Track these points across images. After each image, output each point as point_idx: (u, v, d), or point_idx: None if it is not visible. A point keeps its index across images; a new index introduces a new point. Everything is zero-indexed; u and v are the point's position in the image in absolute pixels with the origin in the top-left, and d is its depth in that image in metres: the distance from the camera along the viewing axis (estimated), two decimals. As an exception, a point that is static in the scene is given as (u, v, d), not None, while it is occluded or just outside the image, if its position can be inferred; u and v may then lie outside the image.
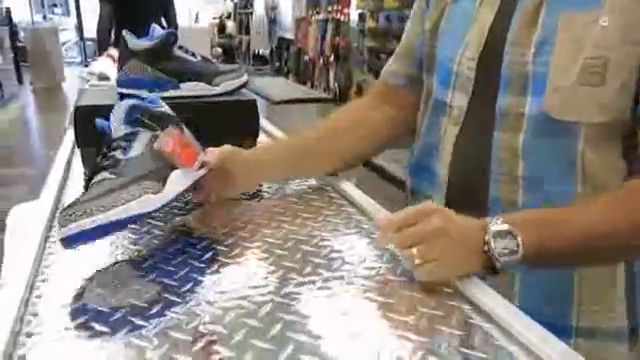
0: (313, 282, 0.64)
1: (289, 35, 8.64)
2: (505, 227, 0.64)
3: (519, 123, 0.76)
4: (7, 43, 7.62)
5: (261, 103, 2.10)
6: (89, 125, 1.11)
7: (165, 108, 0.81)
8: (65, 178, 1.01)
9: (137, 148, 0.74)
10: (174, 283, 0.63)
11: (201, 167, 0.78)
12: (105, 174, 0.70)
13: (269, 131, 1.31)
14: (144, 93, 1.12)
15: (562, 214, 0.70)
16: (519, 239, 0.64)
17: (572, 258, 0.71)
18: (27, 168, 4.33)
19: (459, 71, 0.84)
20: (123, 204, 0.66)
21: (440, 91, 0.88)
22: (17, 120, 6.50)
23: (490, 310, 0.58)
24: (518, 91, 0.76)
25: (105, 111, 1.08)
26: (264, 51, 9.96)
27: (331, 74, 7.06)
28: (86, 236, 0.64)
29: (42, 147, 5.34)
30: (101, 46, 3.90)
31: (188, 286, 0.63)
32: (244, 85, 1.23)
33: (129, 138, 0.74)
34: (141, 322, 0.56)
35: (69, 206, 0.65)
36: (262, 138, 1.21)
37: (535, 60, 0.74)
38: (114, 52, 2.59)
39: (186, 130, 0.82)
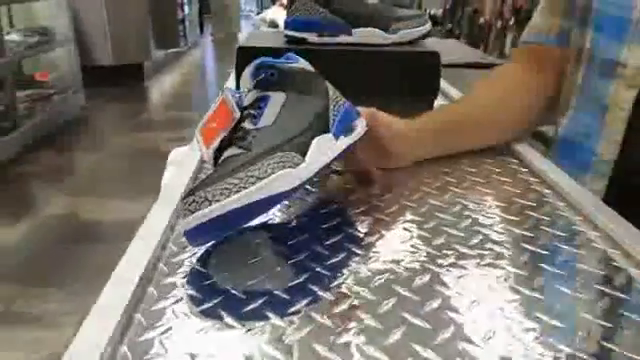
0: (481, 257, 0.53)
1: (466, -5, 8.10)
2: None
3: None
4: (194, -6, 8.09)
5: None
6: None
7: (303, 64, 0.63)
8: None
9: (269, 115, 0.57)
10: (323, 252, 0.51)
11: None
12: (232, 149, 0.54)
13: (447, 92, 1.12)
14: (312, 37, 1.00)
15: None
16: None
17: None
18: (200, 111, 4.58)
19: None
20: (253, 183, 0.49)
21: (606, 47, 0.75)
22: (197, 66, 6.93)
23: None
24: None
25: (268, 54, 0.99)
26: (436, 11, 9.48)
27: (508, 39, 6.50)
28: (209, 229, 0.49)
29: (215, 92, 5.62)
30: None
31: (340, 257, 0.52)
32: (425, 36, 1.05)
33: (259, 104, 0.58)
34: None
35: (191, 191, 0.50)
36: (438, 100, 1.03)
37: None
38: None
39: (333, 93, 0.63)
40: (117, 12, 4.85)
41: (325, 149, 0.58)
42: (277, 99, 0.58)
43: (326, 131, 0.59)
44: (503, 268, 0.51)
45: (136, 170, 2.99)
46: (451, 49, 2.39)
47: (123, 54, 4.97)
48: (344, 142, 0.61)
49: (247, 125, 0.56)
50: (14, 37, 3.62)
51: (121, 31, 4.91)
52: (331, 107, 0.61)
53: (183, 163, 0.78)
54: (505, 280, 0.49)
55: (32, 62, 4.08)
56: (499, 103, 0.84)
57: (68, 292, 1.96)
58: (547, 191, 0.68)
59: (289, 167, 0.52)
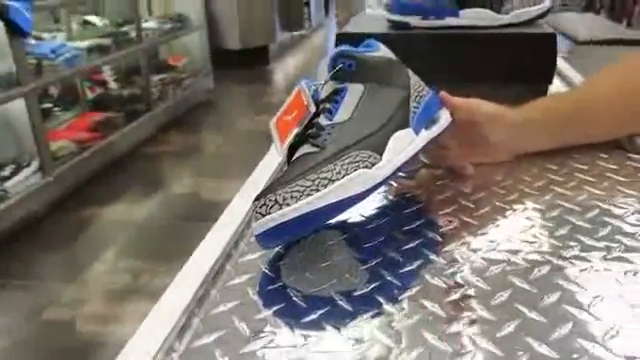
0: (608, 249, 0.49)
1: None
2: None
3: None
4: (319, -25, 8.17)
5: (562, 42, 1.74)
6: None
7: (383, 51, 0.59)
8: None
9: (345, 109, 0.53)
10: (397, 258, 0.47)
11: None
12: (306, 147, 0.51)
13: (566, 75, 1.02)
14: (416, 20, 0.95)
15: None
16: None
17: None
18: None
19: None
20: (325, 186, 0.47)
21: None
22: (320, 48, 7.01)
23: None
24: None
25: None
26: (576, -18, 8.75)
27: (659, 10, 5.83)
28: (280, 233, 0.47)
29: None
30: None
31: (415, 265, 0.49)
32: (543, 15, 0.95)
33: (335, 97, 0.54)
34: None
35: (262, 193, 0.48)
36: (556, 84, 0.94)
37: None
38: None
39: (415, 82, 0.58)
40: (246, -4, 5.02)
41: (403, 146, 0.54)
42: (354, 91, 0.55)
43: (406, 125, 0.55)
44: (632, 262, 0.46)
45: (255, 153, 3.10)
46: (589, 24, 2.19)
47: (250, 37, 5.14)
48: (425, 137, 0.56)
49: (322, 120, 0.53)
50: (151, 24, 3.87)
51: (249, 15, 5.07)
52: (412, 98, 0.56)
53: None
54: (635, 275, 0.44)
55: (166, 47, 4.35)
56: (628, 95, 0.71)
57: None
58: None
59: (364, 167, 0.50)
